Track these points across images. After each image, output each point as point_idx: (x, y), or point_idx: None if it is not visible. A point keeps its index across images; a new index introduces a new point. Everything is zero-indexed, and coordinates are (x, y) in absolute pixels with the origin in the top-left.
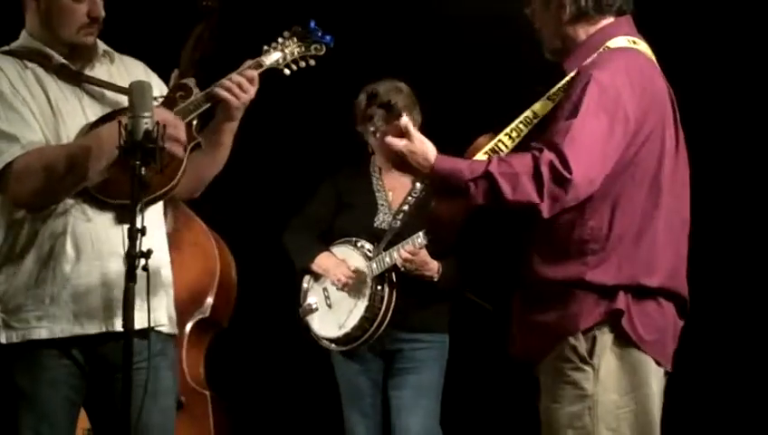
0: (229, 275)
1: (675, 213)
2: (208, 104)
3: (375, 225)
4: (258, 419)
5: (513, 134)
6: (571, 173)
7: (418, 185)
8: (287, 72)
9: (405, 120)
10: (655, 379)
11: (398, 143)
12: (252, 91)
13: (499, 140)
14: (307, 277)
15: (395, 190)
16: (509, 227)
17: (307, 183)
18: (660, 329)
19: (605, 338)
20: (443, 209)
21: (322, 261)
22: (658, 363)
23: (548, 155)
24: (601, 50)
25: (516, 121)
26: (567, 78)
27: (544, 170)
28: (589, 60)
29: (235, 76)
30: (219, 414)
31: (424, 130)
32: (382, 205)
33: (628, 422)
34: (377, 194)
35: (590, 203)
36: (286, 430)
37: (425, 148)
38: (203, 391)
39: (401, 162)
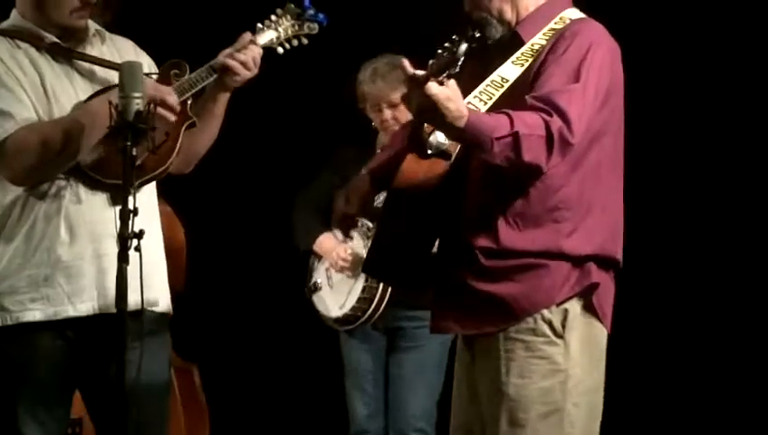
0: (173, 242)
1: (622, 188)
2: (212, 78)
3: (376, 204)
4: (260, 394)
5: (484, 97)
6: (574, 138)
7: None
8: (280, 50)
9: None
10: (605, 352)
11: (435, 87)
12: (258, 67)
13: (469, 103)
14: (312, 257)
15: None
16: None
17: (311, 159)
18: (611, 301)
19: (575, 311)
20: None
21: (323, 242)
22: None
23: (557, 121)
24: (557, 19)
25: (484, 85)
26: (530, 44)
27: (556, 136)
28: (548, 27)
29: (249, 50)
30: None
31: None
32: None
33: (586, 398)
34: None
35: (563, 170)
36: (288, 406)
37: (459, 94)
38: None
39: (430, 111)
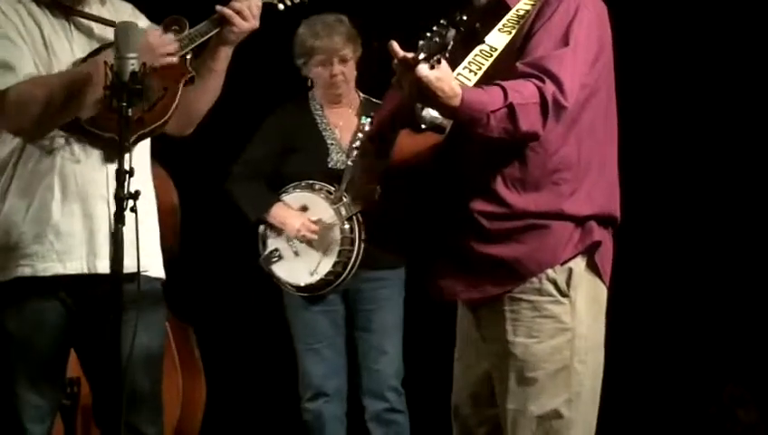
0: (168, 202)
1: (616, 144)
2: (211, 33)
3: (330, 165)
4: (255, 354)
5: (474, 67)
6: (567, 102)
7: (366, 120)
8: (281, 7)
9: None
10: (605, 310)
11: (424, 69)
12: (257, 20)
13: (459, 74)
14: (264, 226)
15: (340, 127)
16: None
17: (243, 121)
18: (611, 258)
19: (580, 269)
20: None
21: (279, 213)
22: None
23: (551, 86)
24: None
25: (472, 55)
26: (515, 10)
27: (550, 101)
28: None
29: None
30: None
31: (362, 64)
32: (332, 144)
33: (592, 355)
34: (323, 133)
35: (559, 132)
36: (281, 366)
37: (450, 75)
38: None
39: (422, 93)
